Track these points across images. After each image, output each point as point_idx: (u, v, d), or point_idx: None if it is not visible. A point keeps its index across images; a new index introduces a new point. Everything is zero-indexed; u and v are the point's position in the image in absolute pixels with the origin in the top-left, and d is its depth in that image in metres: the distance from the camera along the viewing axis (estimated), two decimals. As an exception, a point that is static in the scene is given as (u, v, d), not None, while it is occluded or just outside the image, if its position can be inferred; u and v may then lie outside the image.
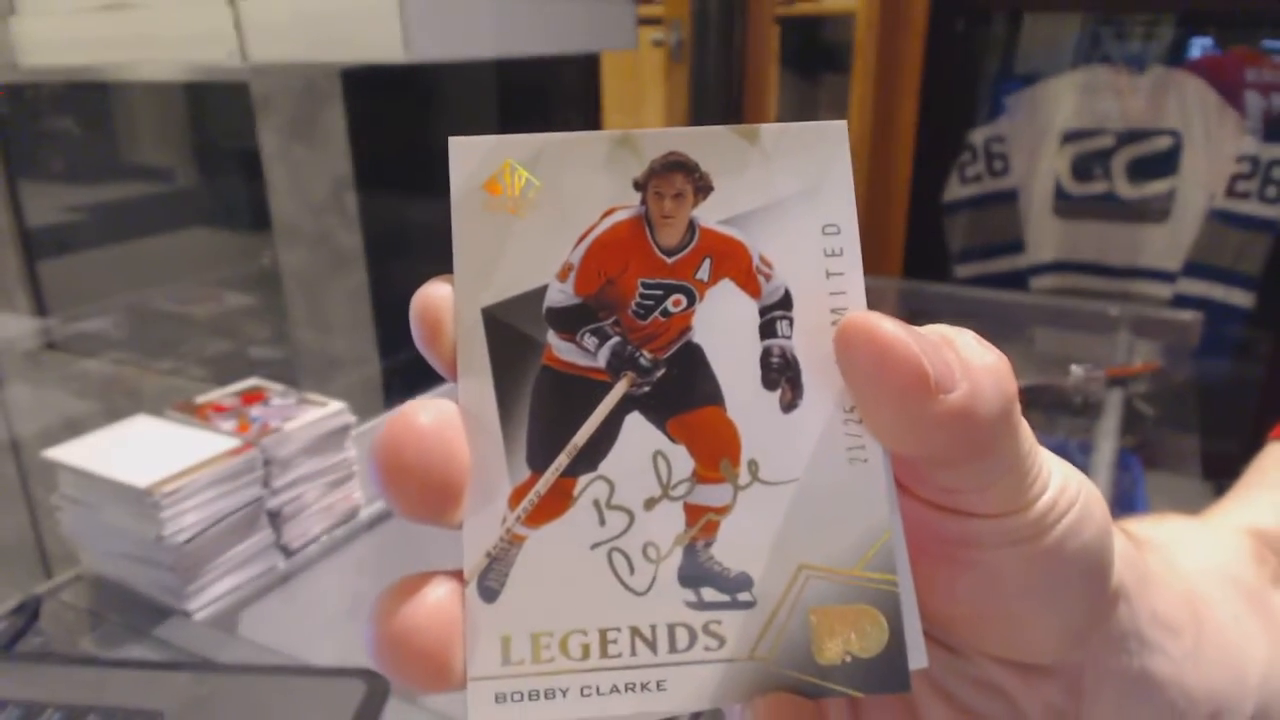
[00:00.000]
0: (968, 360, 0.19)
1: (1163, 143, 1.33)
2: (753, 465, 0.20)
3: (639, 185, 0.21)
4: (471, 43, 1.02)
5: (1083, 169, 1.38)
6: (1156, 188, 1.35)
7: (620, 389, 0.20)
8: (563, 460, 0.20)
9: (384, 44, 0.95)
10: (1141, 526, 0.31)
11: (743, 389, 0.20)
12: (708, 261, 0.21)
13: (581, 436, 0.20)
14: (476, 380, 0.20)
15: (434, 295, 0.21)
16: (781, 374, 0.20)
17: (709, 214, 0.21)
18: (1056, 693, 0.23)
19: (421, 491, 0.19)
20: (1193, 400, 1.25)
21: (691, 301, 0.21)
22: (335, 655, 0.71)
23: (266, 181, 1.50)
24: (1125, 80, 1.33)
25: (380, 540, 0.92)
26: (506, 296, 0.21)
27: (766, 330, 0.21)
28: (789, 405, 0.20)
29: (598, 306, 0.21)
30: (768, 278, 0.21)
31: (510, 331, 0.21)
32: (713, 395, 0.21)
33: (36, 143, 1.79)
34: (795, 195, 0.21)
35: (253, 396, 0.92)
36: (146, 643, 0.78)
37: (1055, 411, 1.13)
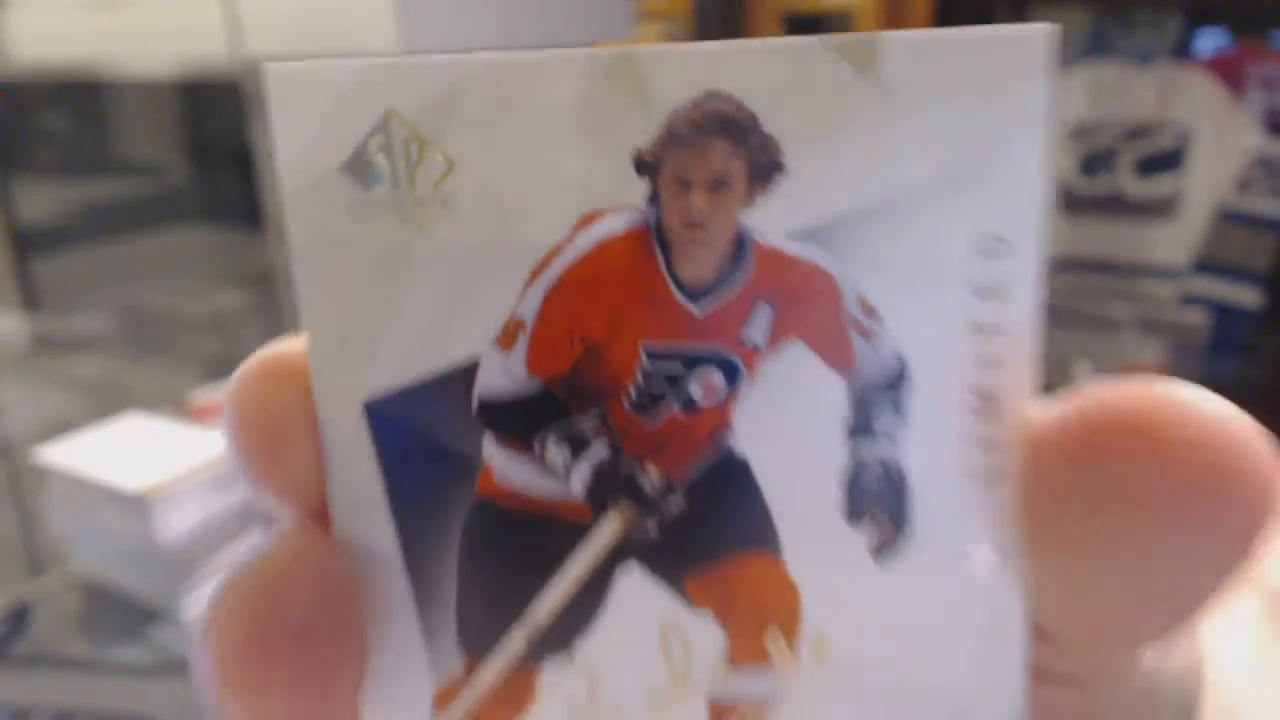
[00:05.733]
0: None
1: (1170, 139, 1.32)
2: (819, 640, 0.13)
3: (644, 164, 0.12)
4: (465, 36, 1.01)
5: (1089, 166, 1.37)
6: (1164, 185, 1.34)
7: (609, 534, 0.13)
8: (517, 645, 0.13)
9: (378, 37, 0.94)
10: None
11: (810, 523, 0.13)
12: (765, 310, 0.12)
13: (546, 609, 0.13)
14: (367, 526, 0.13)
15: (272, 379, 0.13)
16: (877, 501, 0.13)
17: (772, 219, 0.12)
18: None
19: (296, 699, 0.12)
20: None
21: (734, 383, 0.13)
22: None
23: (260, 179, 1.49)
24: (1132, 76, 1.32)
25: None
26: (406, 380, 0.12)
27: (860, 427, 0.13)
28: (885, 549, 0.13)
29: (571, 394, 0.13)
30: (869, 337, 0.12)
31: (417, 442, 0.13)
32: (758, 534, 0.13)
33: (28, 139, 1.77)
34: (933, 178, 0.12)
35: (247, 395, 0.91)
36: (138, 646, 0.77)
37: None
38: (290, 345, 0.13)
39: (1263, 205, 1.26)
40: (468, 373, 0.12)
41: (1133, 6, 1.35)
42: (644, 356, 0.13)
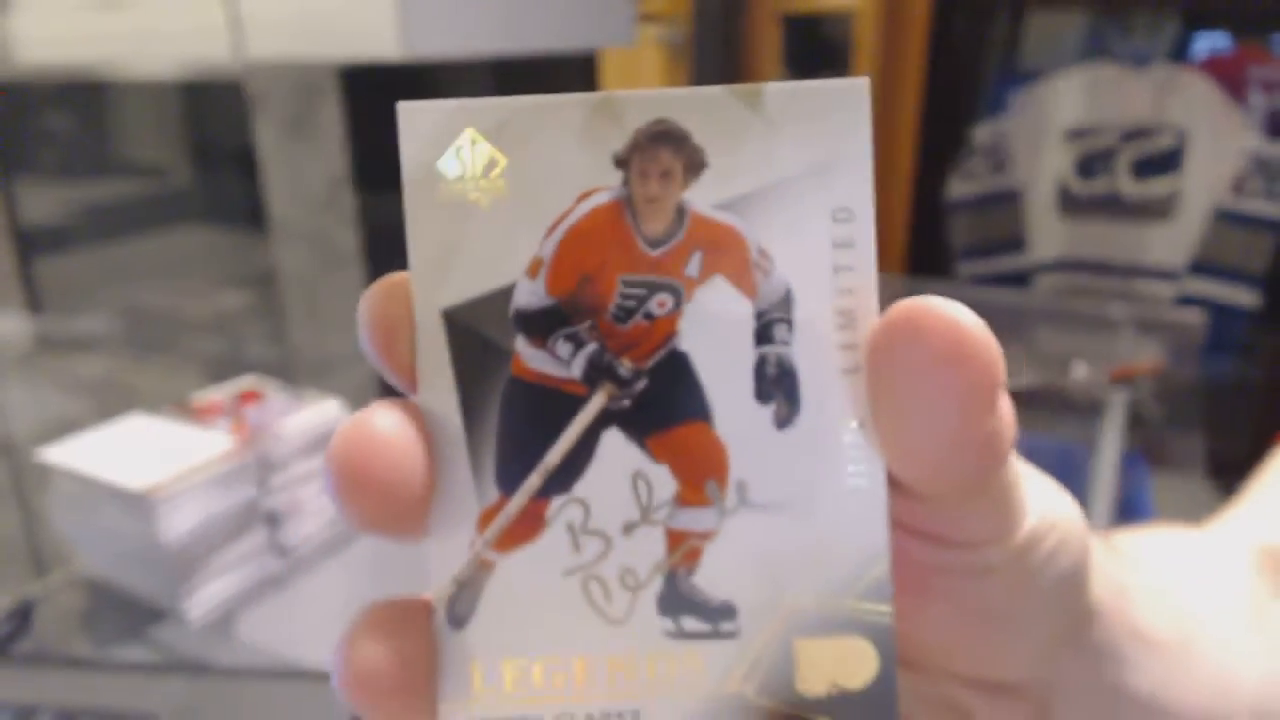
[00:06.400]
0: None
1: (1167, 141, 1.32)
2: (741, 487, 0.19)
3: (620, 161, 0.19)
4: (468, 39, 1.01)
5: (1086, 167, 1.37)
6: (1161, 186, 1.34)
7: (597, 403, 0.19)
8: (534, 481, 0.19)
9: (380, 39, 0.94)
10: (1135, 539, 0.30)
11: (733, 403, 0.19)
12: (698, 255, 0.19)
13: (554, 456, 0.19)
14: (439, 393, 0.19)
15: (388, 295, 0.19)
16: (776, 386, 0.19)
17: (702, 196, 0.19)
18: (1023, 711, 0.23)
19: (382, 505, 0.18)
20: (1197, 400, 1.24)
21: (678, 302, 0.19)
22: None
23: (262, 180, 1.49)
24: (1130, 77, 1.32)
25: (377, 540, 0.91)
26: (469, 297, 0.19)
27: (762, 336, 0.19)
28: (784, 420, 0.19)
29: (573, 309, 0.19)
30: (766, 274, 0.19)
31: (475, 337, 0.19)
32: (699, 410, 0.19)
33: (31, 140, 1.77)
34: (803, 172, 0.18)
35: (249, 395, 0.91)
36: (141, 645, 0.78)
37: (1058, 412, 1.12)
38: (399, 275, 0.19)
39: (1259, 206, 1.26)
40: (508, 292, 0.19)
41: (1130, 8, 1.35)
42: (621, 285, 0.19)
